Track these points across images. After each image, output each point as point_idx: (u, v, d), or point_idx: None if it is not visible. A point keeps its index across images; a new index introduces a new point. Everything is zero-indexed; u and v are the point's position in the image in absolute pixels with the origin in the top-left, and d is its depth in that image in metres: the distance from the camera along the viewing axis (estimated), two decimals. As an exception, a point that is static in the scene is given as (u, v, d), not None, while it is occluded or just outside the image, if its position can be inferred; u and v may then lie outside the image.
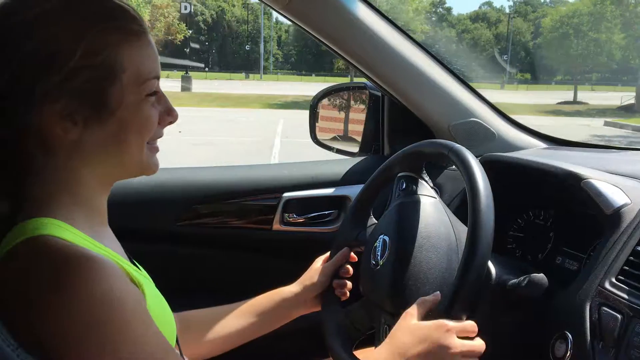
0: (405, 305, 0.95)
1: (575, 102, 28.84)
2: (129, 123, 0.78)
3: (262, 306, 1.17)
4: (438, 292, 0.94)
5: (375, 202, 1.24)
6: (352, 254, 1.22)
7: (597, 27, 33.68)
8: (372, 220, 1.23)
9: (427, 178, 1.14)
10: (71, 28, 0.74)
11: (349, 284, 1.20)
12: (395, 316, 1.02)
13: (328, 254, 1.24)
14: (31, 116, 0.73)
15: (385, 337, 0.99)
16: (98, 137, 0.77)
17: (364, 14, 1.37)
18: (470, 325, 0.90)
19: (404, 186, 1.13)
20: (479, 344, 0.90)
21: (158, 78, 0.82)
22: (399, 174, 1.15)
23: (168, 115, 0.84)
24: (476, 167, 0.95)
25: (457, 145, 1.01)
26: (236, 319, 1.15)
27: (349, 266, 1.21)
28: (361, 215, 1.23)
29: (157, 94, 0.82)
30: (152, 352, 0.71)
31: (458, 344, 0.87)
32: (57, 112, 0.74)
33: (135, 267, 0.87)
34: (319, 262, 1.22)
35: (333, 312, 1.16)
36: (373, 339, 1.10)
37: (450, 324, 0.88)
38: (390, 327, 1.05)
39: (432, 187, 1.13)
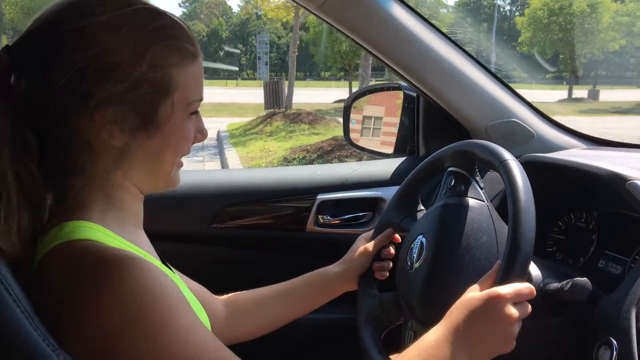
0: (435, 316, 0.90)
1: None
2: (171, 139, 0.80)
3: (305, 286, 1.19)
4: (499, 261, 0.88)
5: (423, 190, 1.21)
6: (396, 235, 1.20)
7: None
8: (421, 207, 1.20)
9: (478, 178, 1.07)
10: (136, 41, 0.75)
11: (390, 264, 1.20)
12: (423, 324, 0.99)
13: (370, 232, 1.23)
14: (82, 119, 0.75)
15: (410, 342, 0.95)
16: (141, 148, 0.79)
17: (399, 13, 1.36)
18: (525, 287, 0.84)
19: (452, 183, 1.07)
20: (528, 307, 0.86)
21: (202, 99, 0.84)
22: (450, 169, 1.09)
23: (199, 134, 0.86)
24: (515, 166, 0.92)
25: (498, 148, 0.97)
26: (281, 300, 1.18)
27: (391, 248, 1.20)
28: (407, 200, 1.20)
29: (197, 113, 0.84)
30: (201, 344, 0.70)
31: (513, 313, 0.83)
32: (108, 118, 0.75)
33: (168, 269, 0.87)
34: (360, 242, 1.22)
35: (368, 296, 1.16)
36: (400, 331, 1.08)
37: (503, 291, 0.83)
38: (416, 334, 1.02)
39: (481, 188, 1.06)
